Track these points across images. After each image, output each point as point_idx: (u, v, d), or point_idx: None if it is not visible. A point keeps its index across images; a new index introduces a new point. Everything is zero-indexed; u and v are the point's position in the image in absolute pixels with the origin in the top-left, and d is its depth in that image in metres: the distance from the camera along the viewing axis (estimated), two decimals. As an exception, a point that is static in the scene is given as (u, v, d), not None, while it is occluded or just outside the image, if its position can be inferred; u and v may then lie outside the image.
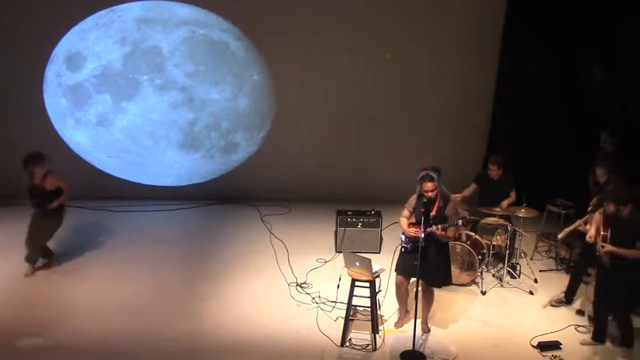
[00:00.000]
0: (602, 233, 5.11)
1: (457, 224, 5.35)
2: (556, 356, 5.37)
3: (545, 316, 6.09)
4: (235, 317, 5.94)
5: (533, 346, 5.51)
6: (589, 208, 6.12)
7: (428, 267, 5.36)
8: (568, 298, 6.26)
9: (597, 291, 5.46)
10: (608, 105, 7.60)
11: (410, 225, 5.53)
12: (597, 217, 5.26)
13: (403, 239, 5.55)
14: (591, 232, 5.21)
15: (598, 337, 5.54)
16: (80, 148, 8.73)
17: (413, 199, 5.59)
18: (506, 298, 6.47)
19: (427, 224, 5.27)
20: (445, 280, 5.66)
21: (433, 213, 5.35)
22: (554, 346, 5.48)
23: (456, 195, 7.15)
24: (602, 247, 5.05)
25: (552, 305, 6.30)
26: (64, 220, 6.70)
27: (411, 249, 5.44)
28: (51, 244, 6.97)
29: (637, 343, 5.39)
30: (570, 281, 6.32)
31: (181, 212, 8.93)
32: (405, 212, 5.61)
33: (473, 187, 7.27)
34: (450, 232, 5.40)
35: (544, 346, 5.47)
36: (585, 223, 6.06)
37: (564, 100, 8.09)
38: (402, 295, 5.76)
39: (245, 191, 9.14)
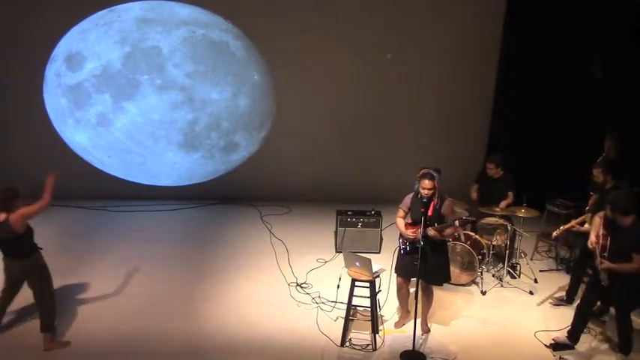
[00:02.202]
0: (601, 242, 5.04)
1: (454, 224, 5.33)
2: (562, 358, 5.37)
3: (545, 316, 6.10)
4: (235, 317, 5.95)
5: (546, 345, 5.52)
6: (587, 208, 6.13)
7: (428, 266, 5.35)
8: (569, 298, 6.27)
9: (587, 291, 5.46)
10: (611, 105, 7.59)
11: (407, 225, 5.52)
12: (597, 221, 5.19)
13: (401, 240, 5.55)
14: (592, 237, 5.15)
15: (572, 336, 5.50)
16: (80, 148, 8.71)
17: (408, 199, 5.57)
18: (506, 298, 6.47)
19: (426, 223, 5.25)
20: (445, 278, 5.67)
21: (429, 213, 5.32)
22: (568, 346, 5.46)
23: (474, 194, 7.17)
24: (601, 262, 4.98)
25: (552, 304, 6.31)
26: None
27: (410, 250, 5.43)
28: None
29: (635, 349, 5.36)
30: (571, 281, 6.34)
31: (181, 212, 8.93)
32: (400, 212, 5.58)
33: (475, 187, 7.27)
34: (447, 232, 5.39)
35: (557, 346, 5.47)
36: (582, 224, 6.06)
37: (565, 100, 8.09)
38: (403, 296, 5.76)
39: (245, 191, 9.15)
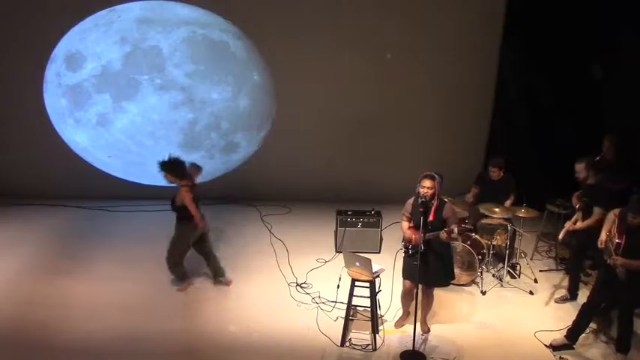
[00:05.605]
0: (616, 241, 5.06)
1: (452, 230, 5.22)
2: (562, 358, 5.37)
3: (545, 316, 6.09)
4: (235, 317, 5.94)
5: (546, 345, 5.52)
6: (577, 206, 6.15)
7: (430, 269, 5.34)
8: (572, 295, 6.33)
9: (593, 293, 5.45)
10: (611, 106, 7.59)
11: (409, 229, 5.50)
12: (611, 217, 5.21)
13: (403, 244, 5.52)
14: (602, 235, 5.17)
15: (571, 336, 5.49)
16: (80, 148, 8.72)
17: (409, 204, 5.55)
18: (506, 298, 6.47)
19: (426, 227, 5.21)
20: (448, 279, 5.66)
21: (431, 218, 5.27)
22: (567, 346, 5.46)
23: (471, 198, 7.18)
24: (616, 259, 5.00)
25: (558, 301, 6.35)
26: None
27: (413, 253, 5.41)
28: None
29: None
30: (570, 280, 6.40)
31: (181, 212, 8.91)
32: (404, 218, 5.59)
33: (474, 190, 7.27)
34: (454, 235, 5.35)
35: (556, 347, 5.46)
36: (575, 222, 6.07)
37: (565, 100, 8.08)
38: (408, 299, 5.72)
39: (245, 191, 9.14)
